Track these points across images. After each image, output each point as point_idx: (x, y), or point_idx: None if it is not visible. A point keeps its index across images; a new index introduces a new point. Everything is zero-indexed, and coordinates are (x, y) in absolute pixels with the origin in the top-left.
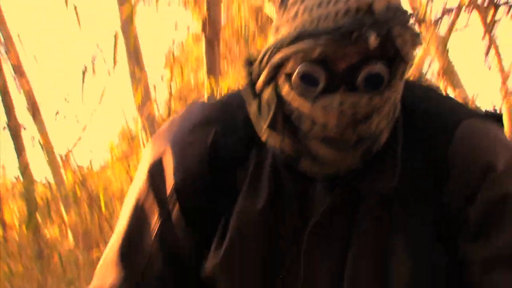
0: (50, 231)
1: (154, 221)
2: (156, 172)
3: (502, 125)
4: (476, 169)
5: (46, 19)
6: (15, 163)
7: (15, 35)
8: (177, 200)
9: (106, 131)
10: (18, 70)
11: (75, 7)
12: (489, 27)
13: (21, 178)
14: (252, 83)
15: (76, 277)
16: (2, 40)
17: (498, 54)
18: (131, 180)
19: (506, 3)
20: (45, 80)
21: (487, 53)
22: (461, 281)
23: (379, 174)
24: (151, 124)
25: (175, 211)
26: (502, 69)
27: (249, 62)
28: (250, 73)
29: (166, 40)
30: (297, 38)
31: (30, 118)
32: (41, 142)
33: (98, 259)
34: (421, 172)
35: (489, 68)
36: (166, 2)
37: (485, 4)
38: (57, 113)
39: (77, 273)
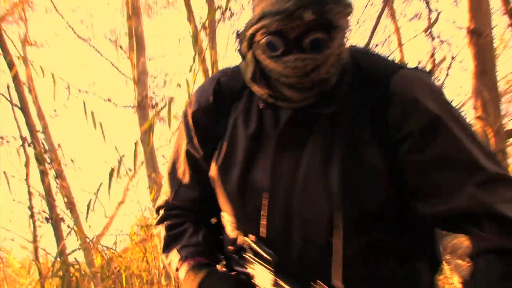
0: None
1: (185, 144)
2: (185, 113)
3: (430, 74)
4: (408, 102)
5: (79, 133)
6: (54, 247)
7: (56, 145)
8: (193, 125)
9: (127, 221)
10: (60, 175)
11: (101, 125)
12: None
13: (58, 259)
14: (240, 49)
15: None
16: (47, 147)
17: None
18: (148, 261)
19: None
20: (80, 181)
21: None
22: (403, 186)
23: (327, 103)
24: None
25: (193, 133)
26: None
27: (238, 34)
28: (239, 42)
29: None
30: (261, 17)
31: (68, 212)
32: (76, 230)
33: None
34: (364, 105)
35: None
36: (178, 122)
37: None
38: (89, 206)
39: None
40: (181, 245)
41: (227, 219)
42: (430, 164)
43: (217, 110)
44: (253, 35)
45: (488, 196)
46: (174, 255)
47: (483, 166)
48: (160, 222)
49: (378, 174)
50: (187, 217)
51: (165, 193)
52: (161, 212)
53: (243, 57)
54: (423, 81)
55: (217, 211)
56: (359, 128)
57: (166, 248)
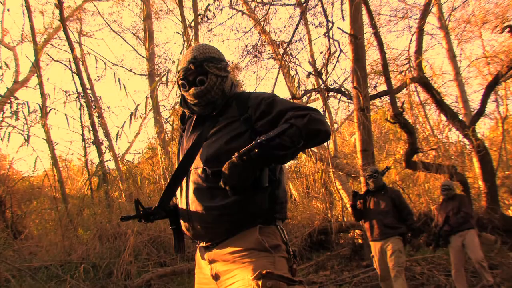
0: (114, 194)
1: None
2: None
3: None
4: (257, 101)
5: (113, 90)
6: (97, 159)
7: (98, 97)
8: (179, 133)
9: (141, 145)
10: (100, 115)
11: (125, 86)
12: (326, 100)
13: (99, 166)
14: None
15: None
16: (92, 98)
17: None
18: (154, 171)
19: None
20: (112, 120)
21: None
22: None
23: (214, 110)
24: (163, 142)
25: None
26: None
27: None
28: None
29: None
30: (177, 72)
31: (105, 138)
32: (109, 150)
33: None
34: (234, 109)
35: None
36: (174, 84)
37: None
38: (117, 135)
39: (126, 213)
40: None
41: None
42: (276, 116)
43: (182, 124)
44: (177, 81)
45: (297, 110)
46: None
47: (299, 106)
48: None
49: (238, 134)
50: None
51: None
52: None
53: (181, 93)
54: (263, 92)
55: None
56: (228, 122)
57: None
